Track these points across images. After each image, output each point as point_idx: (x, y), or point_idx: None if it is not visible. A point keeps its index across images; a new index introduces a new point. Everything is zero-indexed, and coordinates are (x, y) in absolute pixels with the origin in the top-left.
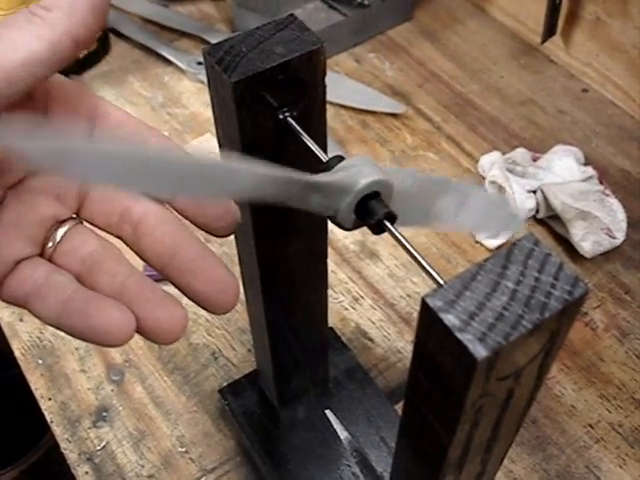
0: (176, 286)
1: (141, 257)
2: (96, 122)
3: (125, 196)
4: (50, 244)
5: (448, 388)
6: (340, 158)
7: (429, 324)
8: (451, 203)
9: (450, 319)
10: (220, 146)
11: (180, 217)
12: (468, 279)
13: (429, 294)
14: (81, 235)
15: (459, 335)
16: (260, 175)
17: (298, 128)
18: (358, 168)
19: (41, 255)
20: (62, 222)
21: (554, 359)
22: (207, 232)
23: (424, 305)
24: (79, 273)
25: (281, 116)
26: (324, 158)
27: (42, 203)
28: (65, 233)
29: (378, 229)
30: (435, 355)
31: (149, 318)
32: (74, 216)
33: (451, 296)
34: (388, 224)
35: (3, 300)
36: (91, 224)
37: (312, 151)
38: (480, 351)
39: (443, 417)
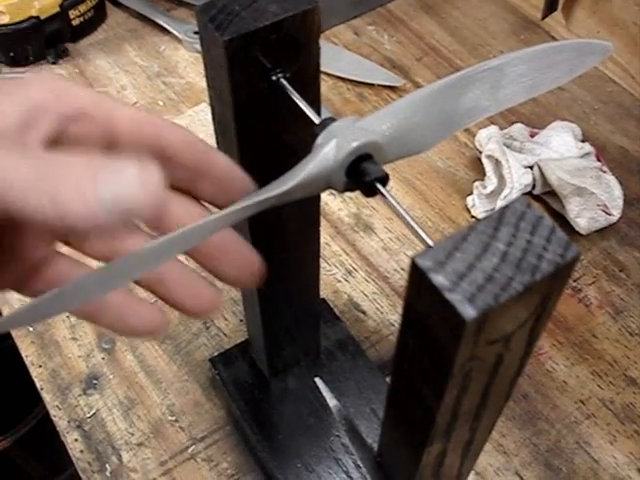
0: (200, 264)
1: None
2: (113, 133)
3: None
4: None
5: (436, 351)
6: (332, 120)
7: (418, 285)
8: (482, 89)
9: (439, 279)
10: (213, 110)
11: None
12: (459, 240)
13: (419, 254)
14: None
15: (448, 295)
16: (230, 213)
17: (291, 89)
18: (340, 137)
19: (67, 244)
20: None
21: (545, 326)
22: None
23: (413, 266)
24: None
25: (274, 77)
26: (317, 120)
27: None
28: None
29: (369, 191)
30: (424, 317)
31: (183, 303)
32: None
33: (441, 257)
34: (380, 186)
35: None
36: None
37: (305, 113)
38: (469, 312)
39: (431, 381)
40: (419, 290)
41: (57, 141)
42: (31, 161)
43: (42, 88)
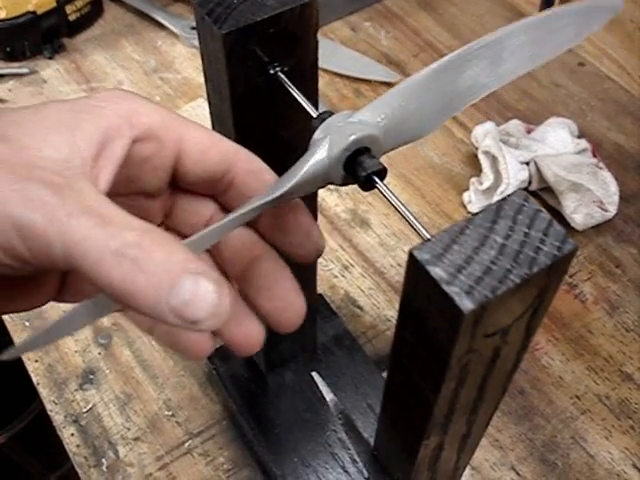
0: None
1: (216, 263)
2: (181, 155)
3: (208, 208)
4: None
5: (434, 343)
6: (330, 113)
7: (416, 277)
8: (480, 66)
9: (437, 272)
10: (210, 104)
11: None
12: (457, 233)
13: (416, 247)
14: None
15: (446, 288)
16: (236, 218)
17: (289, 83)
18: (336, 132)
19: None
20: None
21: (542, 319)
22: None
23: (411, 258)
24: None
25: (272, 71)
26: (314, 113)
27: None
28: None
29: (367, 185)
30: (421, 310)
31: (226, 333)
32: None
33: (439, 249)
34: (377, 180)
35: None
36: (177, 233)
37: (302, 107)
38: (467, 304)
39: (428, 374)
40: (417, 283)
41: (124, 162)
42: (109, 231)
43: (112, 113)
